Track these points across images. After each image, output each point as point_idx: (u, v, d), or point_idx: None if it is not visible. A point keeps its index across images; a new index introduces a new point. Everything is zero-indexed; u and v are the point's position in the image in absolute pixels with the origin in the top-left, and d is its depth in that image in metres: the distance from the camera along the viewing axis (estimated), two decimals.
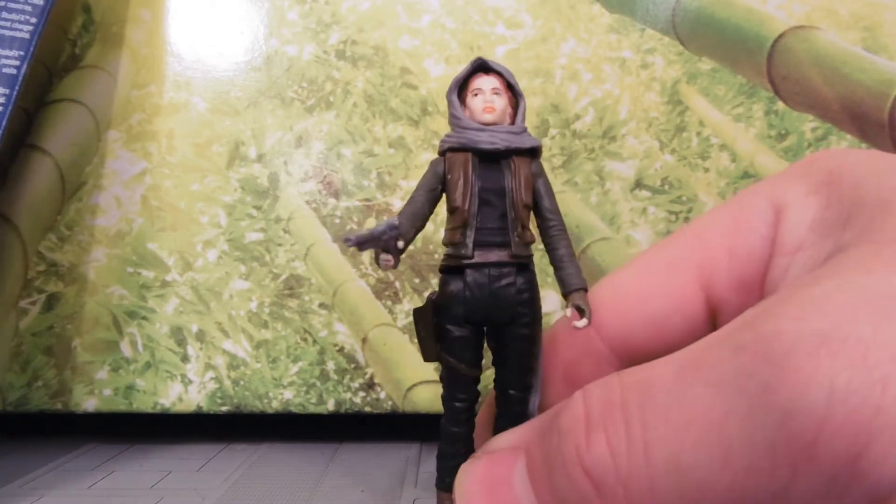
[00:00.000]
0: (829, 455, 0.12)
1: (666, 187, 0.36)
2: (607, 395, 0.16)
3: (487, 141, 0.22)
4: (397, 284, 0.35)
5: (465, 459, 0.21)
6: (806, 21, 0.35)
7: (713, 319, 0.21)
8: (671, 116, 0.36)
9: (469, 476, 0.19)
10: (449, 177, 0.22)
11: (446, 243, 0.22)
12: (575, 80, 0.36)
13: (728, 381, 0.14)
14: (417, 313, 0.22)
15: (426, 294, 0.22)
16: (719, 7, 0.36)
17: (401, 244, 0.21)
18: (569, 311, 0.22)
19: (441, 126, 0.35)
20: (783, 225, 0.20)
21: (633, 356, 0.22)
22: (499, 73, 0.23)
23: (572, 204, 0.35)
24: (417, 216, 0.22)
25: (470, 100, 0.23)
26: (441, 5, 0.36)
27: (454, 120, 0.23)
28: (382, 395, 0.34)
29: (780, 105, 0.35)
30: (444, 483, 0.22)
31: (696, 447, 0.14)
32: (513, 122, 0.23)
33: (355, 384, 0.35)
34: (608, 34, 0.36)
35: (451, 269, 0.22)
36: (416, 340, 0.35)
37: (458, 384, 0.22)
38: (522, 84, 0.36)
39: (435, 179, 0.22)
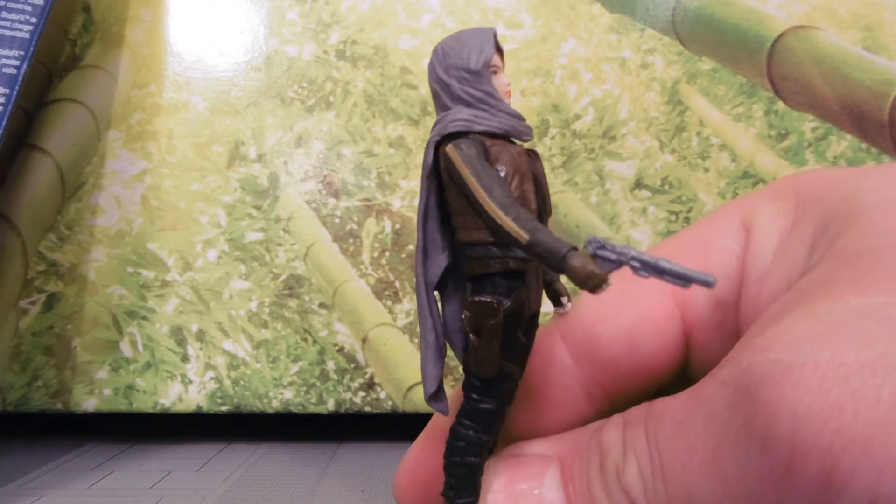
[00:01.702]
0: (804, 479, 0.13)
1: (666, 187, 0.36)
2: (637, 422, 0.17)
3: (527, 131, 0.20)
4: (397, 284, 0.35)
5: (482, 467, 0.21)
6: (806, 21, 0.35)
7: (687, 338, 0.21)
8: (671, 116, 0.36)
9: (495, 475, 0.20)
10: (500, 168, 0.19)
11: (492, 243, 0.19)
12: (575, 79, 0.36)
13: (718, 414, 0.15)
14: (492, 330, 0.19)
15: (483, 302, 0.19)
16: (719, 7, 0.36)
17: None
18: (564, 299, 0.22)
19: None
20: (750, 251, 0.20)
21: (600, 370, 0.22)
22: (501, 51, 0.21)
23: (572, 204, 0.35)
24: None
25: (491, 78, 0.20)
26: (441, 5, 0.36)
27: (490, 100, 0.20)
28: (382, 395, 0.34)
29: (780, 105, 0.35)
30: (478, 495, 0.21)
31: (700, 478, 0.15)
32: None
33: (355, 384, 0.35)
34: (608, 34, 0.36)
35: (511, 272, 0.20)
36: (416, 341, 0.35)
37: (509, 391, 0.20)
38: (522, 84, 0.36)
39: (490, 166, 0.19)
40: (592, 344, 0.21)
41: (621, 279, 0.22)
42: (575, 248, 0.17)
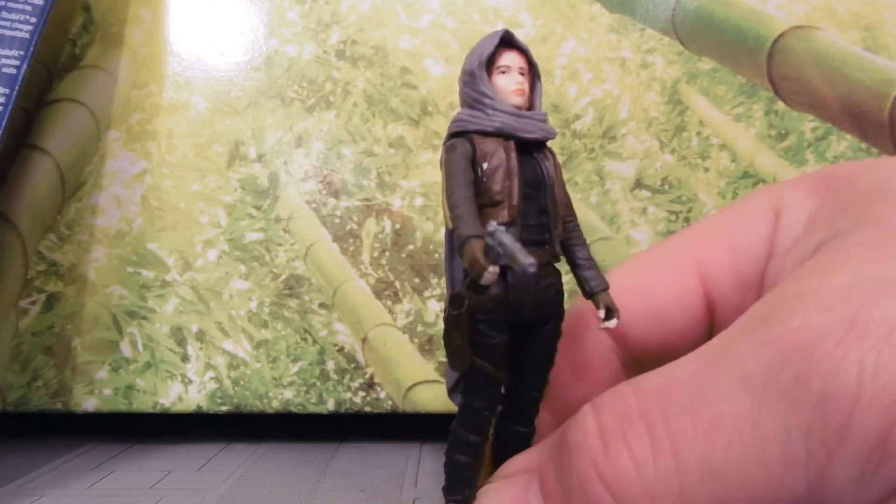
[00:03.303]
0: (862, 434, 0.13)
1: (666, 187, 0.36)
2: (622, 405, 0.16)
3: (526, 129, 0.20)
4: (397, 284, 0.35)
5: (479, 468, 0.21)
6: (806, 21, 0.35)
7: (711, 315, 0.22)
8: (671, 116, 0.36)
9: (486, 501, 0.19)
10: (485, 165, 0.20)
11: None
12: (575, 79, 0.36)
13: (757, 374, 0.14)
14: (453, 320, 0.20)
15: (455, 295, 0.20)
16: (719, 7, 0.36)
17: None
18: (602, 313, 0.21)
19: (441, 126, 0.35)
20: (781, 226, 0.20)
21: (633, 346, 0.22)
22: (521, 51, 0.21)
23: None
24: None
25: (497, 78, 0.20)
26: (441, 5, 0.36)
27: (485, 100, 0.20)
28: (382, 394, 0.34)
29: (780, 105, 0.35)
30: (464, 496, 0.21)
31: (728, 445, 0.14)
32: (531, 106, 0.21)
33: (355, 384, 0.35)
34: (608, 34, 0.36)
35: None
36: (416, 341, 0.35)
37: (488, 391, 0.20)
38: None
39: (469, 168, 0.19)
40: (626, 323, 0.22)
41: (645, 262, 0.23)
42: (480, 237, 0.18)
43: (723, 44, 0.36)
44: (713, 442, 0.14)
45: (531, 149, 0.20)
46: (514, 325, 0.20)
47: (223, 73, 0.36)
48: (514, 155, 0.20)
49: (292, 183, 0.35)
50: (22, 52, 0.31)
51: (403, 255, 0.35)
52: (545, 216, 0.20)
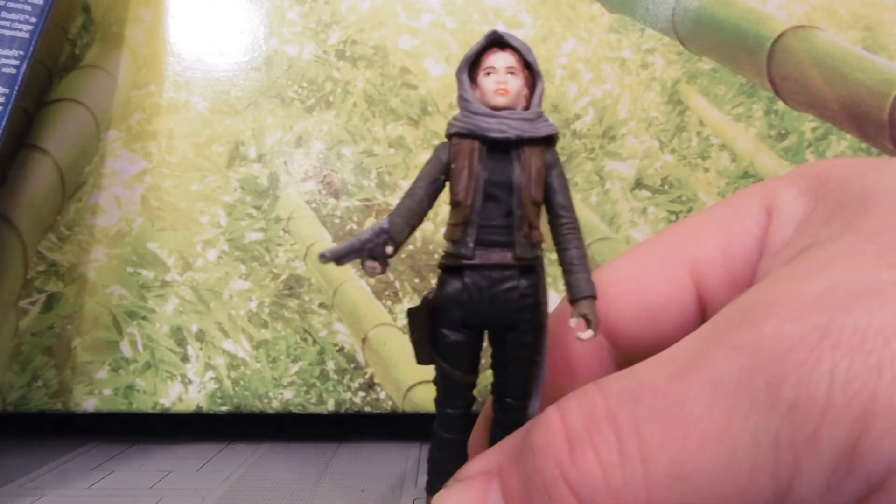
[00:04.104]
0: (830, 444, 0.13)
1: (666, 187, 0.36)
2: (589, 407, 0.16)
3: (496, 128, 0.20)
4: (397, 284, 0.35)
5: (457, 466, 0.21)
6: (806, 21, 0.35)
7: (702, 315, 0.22)
8: (671, 116, 0.36)
9: None
10: (453, 166, 0.20)
11: (447, 239, 0.20)
12: (575, 79, 0.36)
13: (729, 380, 0.14)
14: (412, 314, 0.20)
15: (424, 293, 0.21)
16: (719, 7, 0.36)
17: (389, 250, 0.19)
18: (573, 322, 0.20)
19: (441, 126, 0.35)
20: (772, 226, 0.20)
21: (625, 345, 0.22)
22: (515, 50, 0.21)
23: None
24: (415, 213, 0.20)
25: (482, 79, 0.20)
26: (441, 5, 0.36)
27: (463, 102, 0.21)
28: (382, 395, 0.34)
29: (780, 105, 0.35)
30: (436, 489, 0.21)
31: (698, 451, 0.14)
32: (528, 106, 0.21)
33: (355, 384, 0.35)
34: (608, 34, 0.36)
35: (449, 268, 0.20)
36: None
37: (452, 390, 0.21)
38: None
39: (438, 168, 0.20)
40: (619, 321, 0.22)
41: (638, 259, 0.23)
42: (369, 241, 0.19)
43: (723, 44, 0.36)
44: (683, 447, 0.14)
45: (508, 149, 0.20)
46: (474, 326, 0.20)
47: (223, 73, 0.36)
48: (477, 155, 0.20)
49: (292, 183, 0.35)
50: (22, 52, 0.31)
51: (403, 255, 0.35)
52: (511, 218, 0.20)
